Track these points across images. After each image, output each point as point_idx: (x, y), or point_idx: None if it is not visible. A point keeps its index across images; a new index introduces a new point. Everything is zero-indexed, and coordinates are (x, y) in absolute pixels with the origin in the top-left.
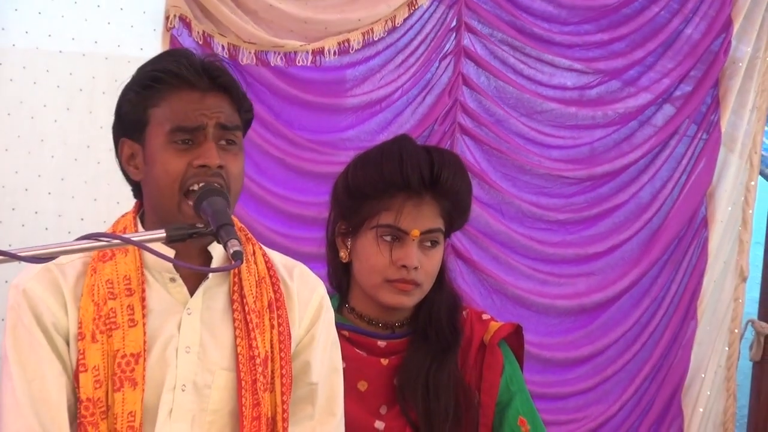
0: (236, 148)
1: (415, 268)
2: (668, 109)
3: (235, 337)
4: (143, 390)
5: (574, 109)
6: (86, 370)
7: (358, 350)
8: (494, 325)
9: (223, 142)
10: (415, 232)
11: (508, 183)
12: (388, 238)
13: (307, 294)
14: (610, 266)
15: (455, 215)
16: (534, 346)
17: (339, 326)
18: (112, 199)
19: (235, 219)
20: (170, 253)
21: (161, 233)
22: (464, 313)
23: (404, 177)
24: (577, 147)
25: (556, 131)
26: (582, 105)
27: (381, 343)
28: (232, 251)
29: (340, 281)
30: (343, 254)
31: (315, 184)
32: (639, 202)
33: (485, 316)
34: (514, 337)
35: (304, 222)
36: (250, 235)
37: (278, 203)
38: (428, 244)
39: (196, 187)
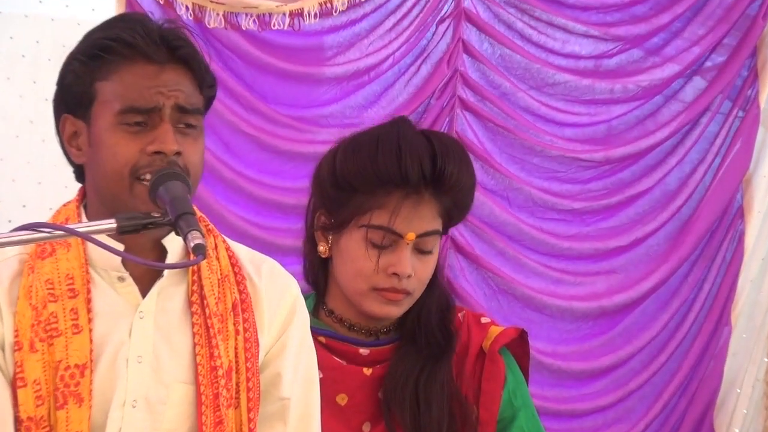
0: (196, 132)
1: (408, 276)
2: (698, 83)
3: (194, 345)
4: (90, 407)
5: (589, 81)
6: (26, 385)
7: (336, 358)
8: (495, 330)
9: (181, 126)
10: (411, 236)
11: (516, 166)
12: (378, 241)
13: (278, 294)
14: (633, 263)
15: (455, 212)
16: (546, 355)
17: (314, 331)
18: (59, 182)
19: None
20: (119, 248)
21: (111, 223)
22: (460, 315)
23: (402, 172)
24: (594, 125)
25: (569, 107)
26: (599, 77)
27: (363, 351)
28: (193, 244)
29: (317, 278)
30: (322, 248)
31: (293, 166)
32: (665, 189)
33: (484, 320)
34: (518, 344)
35: (280, 210)
36: (211, 225)
37: (251, 188)
38: (423, 248)
39: (148, 176)
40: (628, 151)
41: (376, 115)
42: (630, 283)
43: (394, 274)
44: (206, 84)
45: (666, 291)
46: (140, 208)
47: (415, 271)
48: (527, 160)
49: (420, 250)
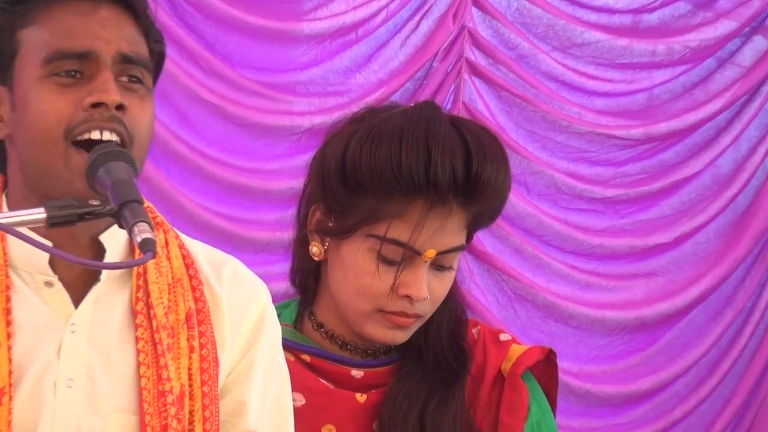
0: (144, 89)
1: (424, 299)
2: (759, 43)
3: (138, 365)
4: None
5: (626, 41)
6: None
7: (323, 381)
8: (517, 350)
9: (124, 79)
10: (431, 253)
11: (536, 145)
12: (391, 256)
13: (243, 302)
14: (678, 264)
15: (483, 221)
16: (572, 375)
17: (297, 348)
18: None
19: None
20: (46, 244)
21: (39, 212)
22: (474, 330)
23: (431, 178)
24: (632, 94)
25: (602, 72)
26: (638, 35)
27: (356, 373)
28: (140, 239)
29: (306, 282)
30: (315, 250)
31: (264, 144)
32: (717, 173)
33: (504, 337)
34: (544, 367)
35: (248, 196)
36: (160, 218)
37: (212, 169)
38: (443, 264)
39: (87, 137)
40: (672, 127)
41: (365, 82)
42: (674, 289)
43: (407, 296)
44: (152, 37)
45: (718, 298)
46: (77, 187)
47: (430, 291)
48: (550, 138)
49: (438, 266)
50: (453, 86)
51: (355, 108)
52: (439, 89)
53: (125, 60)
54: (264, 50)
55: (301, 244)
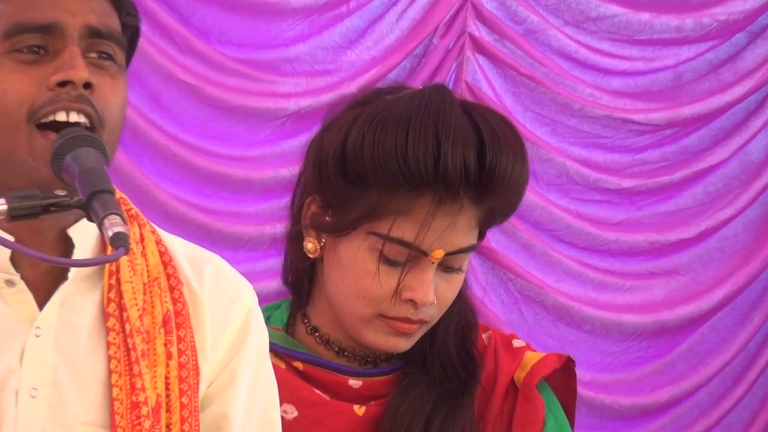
0: (115, 67)
1: (431, 304)
2: None
3: (110, 374)
4: None
5: (647, 15)
6: None
7: (318, 392)
8: (531, 357)
9: (93, 55)
10: (438, 254)
11: (546, 129)
12: (394, 256)
13: (226, 305)
14: (702, 262)
15: (497, 218)
16: (583, 385)
17: (289, 354)
18: None
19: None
20: (8, 239)
21: (1, 204)
22: (484, 336)
23: (440, 171)
24: (653, 74)
25: (619, 48)
26: (660, 8)
27: (354, 382)
28: (111, 233)
29: (299, 282)
30: (311, 247)
31: (246, 128)
32: (747, 161)
33: (517, 343)
34: (562, 377)
35: (229, 187)
36: (135, 210)
37: (189, 157)
38: (451, 265)
39: (52, 119)
40: (696, 111)
41: (358, 60)
42: (697, 290)
43: (411, 300)
44: (125, 9)
45: (745, 300)
46: (42, 175)
47: (437, 295)
48: (561, 121)
49: (447, 267)
50: (455, 64)
51: (345, 89)
52: (439, 68)
53: (94, 34)
54: (245, 25)
55: (294, 239)
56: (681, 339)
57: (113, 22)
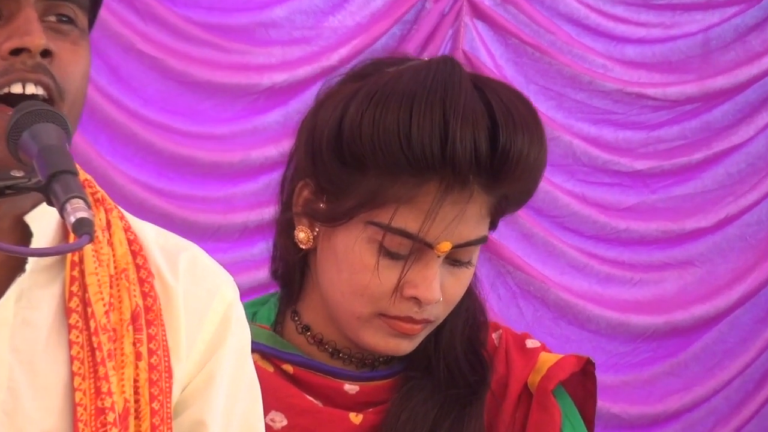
0: (77, 32)
1: (436, 302)
2: None
3: (72, 376)
4: None
5: None
6: None
7: (310, 398)
8: (547, 359)
9: (52, 19)
10: (445, 246)
11: (551, 103)
12: (396, 249)
13: (204, 299)
14: (722, 252)
15: (510, 206)
16: None
17: (277, 355)
18: None
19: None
20: None
21: None
22: (495, 335)
23: (447, 155)
24: (672, 41)
25: (635, 14)
26: None
27: (350, 388)
28: (74, 219)
29: (291, 274)
30: (303, 236)
31: (214, 105)
32: None
33: (531, 343)
34: (580, 381)
35: (195, 170)
36: (101, 193)
37: (151, 136)
38: (459, 258)
39: (6, 91)
40: (722, 84)
41: (341, 26)
42: (714, 285)
43: (414, 298)
44: None
45: (767, 295)
46: None
47: (443, 292)
48: (568, 96)
49: (454, 260)
50: (450, 32)
51: (325, 62)
52: (433, 35)
53: None
54: None
55: (284, 228)
56: (695, 338)
57: None
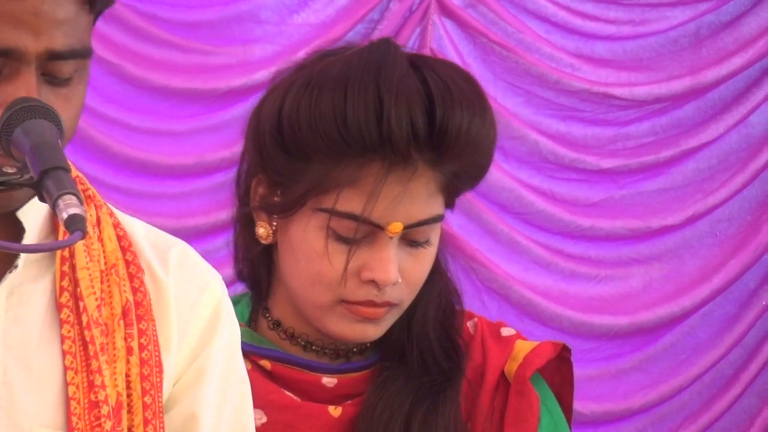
0: (75, 80)
1: (394, 283)
2: None
3: (65, 370)
4: None
5: None
6: None
7: (288, 393)
8: (523, 347)
9: (50, 75)
10: (395, 227)
11: (519, 100)
12: (346, 233)
13: (194, 294)
14: (690, 249)
15: (463, 182)
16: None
17: (254, 351)
18: None
19: (71, 165)
20: None
21: None
22: (470, 323)
23: (384, 133)
24: (644, 38)
25: (603, 10)
26: None
27: (328, 381)
28: (66, 215)
29: (256, 273)
30: (262, 231)
31: (175, 104)
32: (748, 134)
33: (506, 331)
34: (556, 366)
35: (148, 166)
36: (92, 190)
37: (101, 133)
38: (416, 238)
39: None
40: (689, 84)
41: (304, 23)
42: (681, 284)
43: (372, 281)
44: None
45: (736, 295)
46: None
47: (404, 274)
48: (535, 93)
49: (411, 241)
50: (418, 31)
51: (283, 65)
52: (399, 33)
53: (55, 56)
54: None
55: (244, 226)
56: (662, 334)
57: (81, 32)
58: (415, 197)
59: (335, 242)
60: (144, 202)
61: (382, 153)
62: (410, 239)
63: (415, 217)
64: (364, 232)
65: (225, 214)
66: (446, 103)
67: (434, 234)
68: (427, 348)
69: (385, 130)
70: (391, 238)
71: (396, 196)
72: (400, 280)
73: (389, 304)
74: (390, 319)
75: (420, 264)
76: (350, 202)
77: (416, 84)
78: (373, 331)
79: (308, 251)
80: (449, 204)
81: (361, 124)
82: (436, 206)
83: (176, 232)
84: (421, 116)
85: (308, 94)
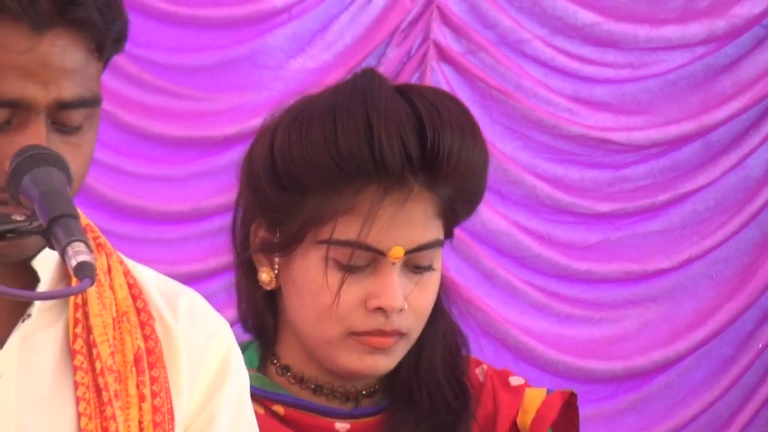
0: (85, 128)
1: (400, 309)
2: None
3: (79, 417)
4: None
5: (623, 25)
6: None
7: None
8: (534, 397)
9: (60, 125)
10: (397, 252)
11: (516, 144)
12: (346, 261)
13: (203, 341)
14: (686, 291)
15: (461, 206)
16: None
17: (267, 397)
18: None
19: (80, 213)
20: None
21: None
22: (479, 371)
23: (377, 157)
24: (643, 81)
25: (601, 54)
26: (637, 20)
27: (341, 426)
28: (75, 262)
29: (263, 320)
30: (265, 277)
31: (170, 150)
32: (746, 176)
33: (515, 380)
34: (563, 413)
35: (139, 212)
36: (103, 239)
37: (95, 179)
38: (419, 263)
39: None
40: (687, 129)
41: (301, 69)
42: (676, 326)
43: (379, 309)
44: (112, 36)
45: (732, 338)
46: None
47: (410, 301)
48: (532, 137)
49: (415, 267)
50: (416, 75)
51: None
52: (397, 79)
53: (65, 106)
54: (169, 32)
55: (245, 273)
56: (656, 376)
57: (91, 81)
58: (413, 221)
59: (337, 272)
60: (139, 248)
61: (377, 177)
62: (413, 265)
63: (416, 241)
64: (366, 259)
65: (220, 259)
66: (436, 124)
67: (436, 260)
68: (435, 388)
69: (378, 153)
70: (393, 263)
71: (393, 218)
72: (406, 306)
73: (398, 333)
74: (400, 350)
75: (425, 291)
76: (347, 229)
77: (405, 107)
78: (383, 363)
79: (311, 286)
80: (448, 232)
81: (353, 149)
82: (435, 231)
83: (171, 278)
84: (412, 137)
85: (297, 128)
